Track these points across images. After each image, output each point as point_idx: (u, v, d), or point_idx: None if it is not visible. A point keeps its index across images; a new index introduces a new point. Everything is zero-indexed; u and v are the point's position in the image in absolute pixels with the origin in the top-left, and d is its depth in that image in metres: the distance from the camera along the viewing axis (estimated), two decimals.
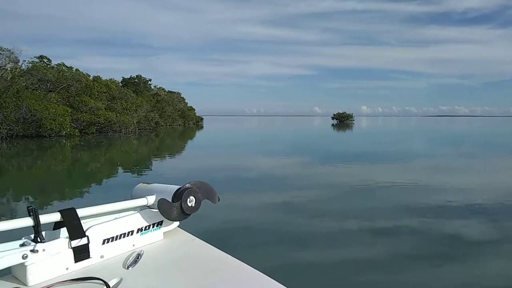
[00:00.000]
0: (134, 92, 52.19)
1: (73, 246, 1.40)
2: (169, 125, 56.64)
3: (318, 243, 6.43)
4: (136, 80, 60.89)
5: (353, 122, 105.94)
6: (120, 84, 53.74)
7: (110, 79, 47.38)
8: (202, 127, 60.45)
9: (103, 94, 40.40)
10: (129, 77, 60.19)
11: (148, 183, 1.89)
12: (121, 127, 37.52)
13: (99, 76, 43.41)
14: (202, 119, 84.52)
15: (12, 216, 7.24)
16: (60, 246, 1.38)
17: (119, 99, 42.51)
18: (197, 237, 1.72)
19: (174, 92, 75.44)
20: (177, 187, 1.69)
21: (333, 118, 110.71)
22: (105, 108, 38.00)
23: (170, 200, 1.64)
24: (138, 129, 40.99)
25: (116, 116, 37.17)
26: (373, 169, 14.95)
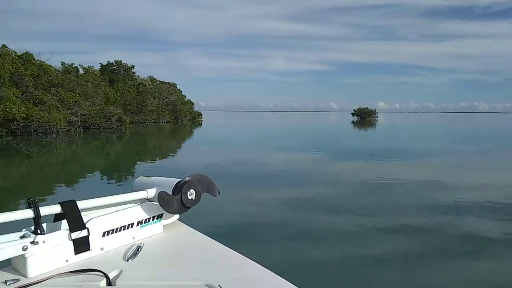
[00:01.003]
0: (110, 81, 48.03)
1: (73, 238, 1.41)
2: (154, 122, 51.47)
3: (331, 239, 6.30)
4: (115, 67, 53.89)
5: (376, 118, 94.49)
6: (98, 71, 49.80)
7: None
8: (200, 124, 56.53)
9: (33, 80, 30.25)
10: (106, 63, 53.32)
11: (148, 176, 1.86)
12: (52, 127, 27.67)
13: (31, 54, 33.09)
14: (200, 114, 78.66)
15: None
16: (60, 238, 1.39)
17: (60, 87, 33.14)
18: (197, 230, 1.71)
19: (167, 83, 69.13)
20: (177, 180, 1.68)
21: (353, 114, 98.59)
22: (33, 101, 28.51)
23: (170, 193, 1.64)
24: (86, 127, 33.36)
25: (40, 111, 27.36)
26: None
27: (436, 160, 16.13)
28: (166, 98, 58.31)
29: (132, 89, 50.67)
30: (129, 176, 12.55)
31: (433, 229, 6.69)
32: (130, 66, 54.54)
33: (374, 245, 5.95)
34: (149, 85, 56.75)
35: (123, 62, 54.89)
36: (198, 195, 1.71)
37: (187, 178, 1.69)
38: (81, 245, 1.42)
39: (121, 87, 48.55)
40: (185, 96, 71.17)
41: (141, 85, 54.03)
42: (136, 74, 56.84)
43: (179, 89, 70.49)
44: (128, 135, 32.25)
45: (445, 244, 6.08)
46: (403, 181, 10.72)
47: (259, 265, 1.39)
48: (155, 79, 62.37)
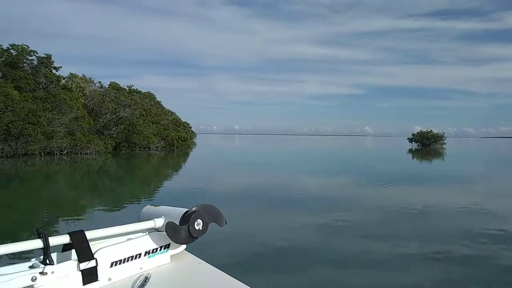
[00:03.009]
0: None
1: (81, 268, 1.47)
2: (78, 152, 37.88)
3: (369, 266, 6.26)
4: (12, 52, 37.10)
5: (443, 146, 69.52)
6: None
7: None
8: (186, 155, 43.29)
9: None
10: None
11: (155, 206, 1.92)
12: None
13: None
14: (191, 136, 68.44)
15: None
16: (68, 269, 1.45)
17: None
18: (204, 261, 1.78)
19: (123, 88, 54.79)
20: (184, 209, 1.79)
21: (411, 140, 73.89)
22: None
23: (177, 223, 1.74)
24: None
25: None
26: None
27: None
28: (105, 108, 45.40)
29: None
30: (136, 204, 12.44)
31: (477, 259, 6.78)
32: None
33: (413, 274, 6.01)
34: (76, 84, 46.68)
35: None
36: (205, 225, 1.77)
37: (194, 208, 1.77)
38: (89, 276, 1.47)
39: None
40: (164, 108, 64.99)
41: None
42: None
43: (157, 100, 63.98)
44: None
45: (486, 276, 6.02)
46: None
47: None
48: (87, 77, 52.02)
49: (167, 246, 1.74)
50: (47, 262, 1.36)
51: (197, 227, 1.72)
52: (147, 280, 1.54)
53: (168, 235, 1.67)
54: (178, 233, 1.68)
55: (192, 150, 52.22)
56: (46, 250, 1.37)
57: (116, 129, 43.81)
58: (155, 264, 1.69)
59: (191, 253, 1.82)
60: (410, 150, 55.71)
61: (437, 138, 69.20)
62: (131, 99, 48.83)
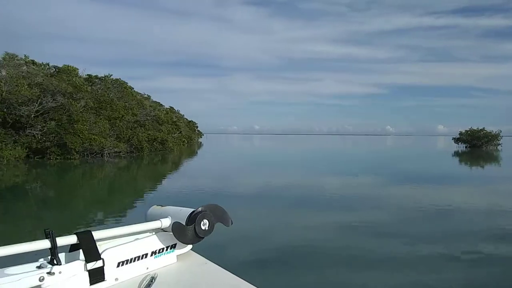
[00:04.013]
0: None
1: (88, 268, 1.51)
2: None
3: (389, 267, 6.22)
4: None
5: (498, 148, 56.20)
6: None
7: None
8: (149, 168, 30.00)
9: None
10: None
11: (162, 205, 1.96)
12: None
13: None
14: (190, 137, 68.97)
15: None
16: (76, 269, 1.49)
17: None
18: (210, 261, 1.82)
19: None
20: (190, 210, 1.84)
21: (458, 140, 58.57)
22: None
23: (184, 223, 1.80)
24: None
25: None
26: None
27: None
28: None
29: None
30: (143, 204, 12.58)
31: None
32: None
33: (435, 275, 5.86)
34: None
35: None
36: (211, 225, 1.81)
37: (200, 208, 1.83)
38: (96, 276, 1.51)
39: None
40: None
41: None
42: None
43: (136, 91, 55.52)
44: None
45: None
46: None
47: None
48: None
49: (173, 246, 1.79)
50: (55, 262, 1.41)
51: (203, 227, 1.77)
52: (153, 280, 1.58)
53: (174, 235, 1.74)
54: (185, 233, 1.74)
55: (182, 155, 42.31)
56: (53, 251, 1.42)
57: (42, 127, 29.35)
58: (162, 264, 1.74)
59: (197, 253, 1.88)
60: (456, 153, 46.07)
61: (491, 138, 54.30)
62: (76, 87, 33.74)
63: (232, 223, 1.89)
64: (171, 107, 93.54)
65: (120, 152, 35.33)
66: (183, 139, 63.14)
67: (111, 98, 39.22)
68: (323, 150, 56.52)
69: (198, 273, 1.68)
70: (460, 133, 58.52)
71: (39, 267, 1.39)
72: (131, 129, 38.90)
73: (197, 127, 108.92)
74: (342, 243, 7.21)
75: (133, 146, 37.62)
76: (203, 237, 1.78)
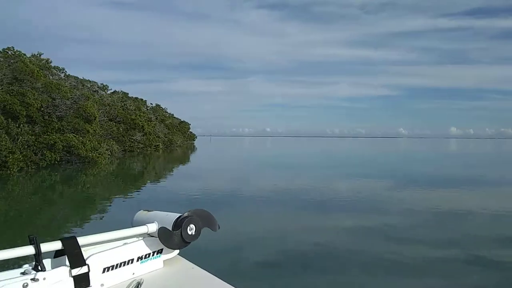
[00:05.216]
0: None
1: (73, 274, 1.47)
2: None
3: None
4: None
5: None
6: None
7: None
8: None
9: None
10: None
11: (148, 210, 1.93)
12: None
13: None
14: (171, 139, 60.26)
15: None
16: (60, 275, 1.45)
17: None
18: (197, 265, 1.78)
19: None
20: (177, 215, 1.81)
21: None
22: None
23: (170, 228, 1.77)
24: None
25: None
26: None
27: None
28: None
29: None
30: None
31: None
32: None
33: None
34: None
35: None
36: (198, 230, 1.78)
37: (186, 213, 1.80)
38: (82, 282, 1.47)
39: None
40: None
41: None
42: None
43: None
44: None
45: None
46: None
47: None
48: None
49: (159, 251, 1.76)
50: (39, 268, 1.38)
51: (189, 232, 1.74)
52: (139, 286, 1.56)
53: (160, 240, 1.71)
54: (171, 238, 1.71)
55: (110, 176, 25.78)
56: (38, 257, 1.39)
57: None
58: (148, 270, 1.71)
59: (184, 258, 1.86)
60: None
61: None
62: None
63: (219, 228, 1.87)
64: (158, 105, 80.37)
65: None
66: (154, 142, 51.56)
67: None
68: (335, 152, 55.85)
69: (184, 278, 1.64)
70: None
71: (23, 273, 1.36)
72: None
73: (189, 129, 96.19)
74: (362, 247, 7.10)
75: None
76: (189, 242, 1.74)
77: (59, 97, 29.88)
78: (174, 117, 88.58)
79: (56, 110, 30.80)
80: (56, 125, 29.44)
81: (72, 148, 27.52)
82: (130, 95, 63.65)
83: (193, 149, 67.98)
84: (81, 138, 29.30)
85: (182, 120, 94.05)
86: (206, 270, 1.66)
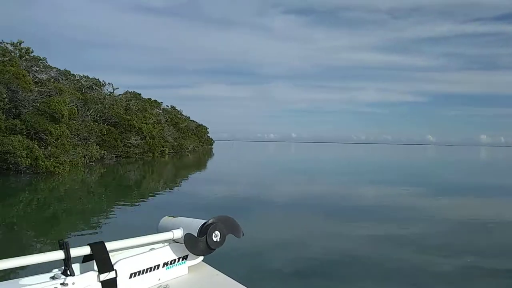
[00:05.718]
0: None
1: (101, 279, 1.48)
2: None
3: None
4: None
5: None
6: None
7: None
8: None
9: None
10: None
11: (173, 216, 1.96)
12: None
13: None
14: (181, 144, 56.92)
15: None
16: (89, 280, 1.46)
17: None
18: (222, 272, 1.80)
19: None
20: (202, 221, 1.82)
21: None
22: None
23: (195, 234, 1.78)
24: None
25: None
26: None
27: None
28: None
29: None
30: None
31: None
32: None
33: None
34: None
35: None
36: (223, 237, 1.80)
37: (211, 220, 1.81)
38: (109, 287, 1.49)
39: None
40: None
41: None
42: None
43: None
44: None
45: None
46: None
47: None
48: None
49: (185, 258, 1.78)
50: (68, 273, 1.40)
51: (215, 239, 1.75)
52: None
53: (186, 246, 1.72)
54: (197, 244, 1.72)
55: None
56: (67, 261, 1.40)
57: None
58: (173, 275, 1.72)
59: (209, 265, 1.87)
60: None
61: None
62: None
63: (243, 235, 1.86)
64: (173, 107, 74.38)
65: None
66: (158, 147, 46.05)
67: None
68: (362, 158, 54.62)
69: (209, 285, 1.65)
70: None
71: (52, 278, 1.37)
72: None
73: (206, 133, 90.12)
74: (387, 255, 7.00)
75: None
76: (214, 249, 1.75)
77: (19, 90, 24.08)
78: (191, 120, 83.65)
79: (19, 105, 25.00)
80: (3, 124, 22.30)
81: (8, 155, 20.66)
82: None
83: (209, 154, 62.33)
84: (31, 142, 22.49)
85: (199, 123, 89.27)
86: (231, 277, 1.66)
